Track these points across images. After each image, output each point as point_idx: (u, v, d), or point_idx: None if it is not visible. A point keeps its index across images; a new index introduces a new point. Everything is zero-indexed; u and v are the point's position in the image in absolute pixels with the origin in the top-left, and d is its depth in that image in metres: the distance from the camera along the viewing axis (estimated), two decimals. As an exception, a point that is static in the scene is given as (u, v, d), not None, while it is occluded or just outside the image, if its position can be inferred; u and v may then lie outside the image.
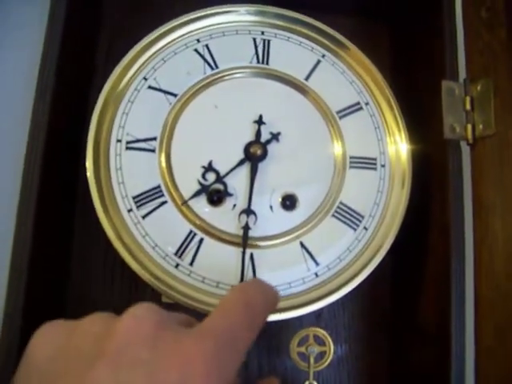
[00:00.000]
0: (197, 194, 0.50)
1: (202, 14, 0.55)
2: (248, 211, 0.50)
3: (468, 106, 0.54)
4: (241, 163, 0.51)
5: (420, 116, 0.56)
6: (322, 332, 0.53)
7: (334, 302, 0.51)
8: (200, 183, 0.50)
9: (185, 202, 0.50)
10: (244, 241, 0.49)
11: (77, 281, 0.57)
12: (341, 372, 0.58)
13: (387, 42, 0.65)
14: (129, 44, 0.54)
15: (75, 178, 0.56)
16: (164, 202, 0.50)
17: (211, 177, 0.51)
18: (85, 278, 0.57)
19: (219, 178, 0.51)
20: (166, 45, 0.54)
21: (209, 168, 0.51)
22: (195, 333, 0.32)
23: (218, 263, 0.50)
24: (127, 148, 0.51)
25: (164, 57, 0.53)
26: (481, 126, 0.53)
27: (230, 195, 0.51)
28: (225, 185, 0.51)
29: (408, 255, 0.57)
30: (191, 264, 0.49)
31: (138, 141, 0.51)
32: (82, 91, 0.58)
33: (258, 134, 0.52)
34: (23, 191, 0.47)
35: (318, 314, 0.59)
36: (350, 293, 0.51)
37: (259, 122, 0.52)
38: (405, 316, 0.58)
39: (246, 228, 0.50)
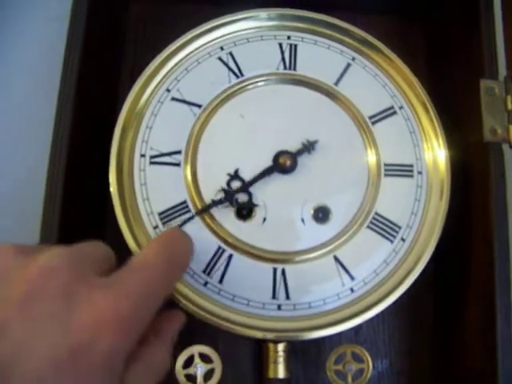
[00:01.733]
0: (220, 203, 0.49)
1: (225, 20, 0.54)
2: None
3: (510, 106, 0.51)
4: (267, 172, 0.49)
5: (458, 119, 0.54)
6: (359, 348, 0.52)
7: (374, 316, 0.49)
8: (224, 190, 0.49)
9: (205, 210, 0.48)
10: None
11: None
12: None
13: (422, 42, 0.63)
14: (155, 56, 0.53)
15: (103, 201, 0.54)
16: (191, 218, 0.48)
17: (237, 185, 0.49)
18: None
19: (244, 187, 0.49)
20: (188, 54, 0.53)
21: (234, 176, 0.50)
22: (111, 292, 0.33)
23: (248, 280, 0.49)
24: (151, 163, 0.50)
25: (187, 67, 0.52)
26: (524, 128, 0.50)
27: (255, 205, 0.49)
28: (250, 195, 0.49)
29: (451, 266, 0.55)
30: (220, 282, 0.48)
31: (162, 155, 0.50)
32: (108, 106, 0.57)
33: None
34: (46, 209, 0.46)
35: (356, 329, 0.57)
36: (390, 306, 0.49)
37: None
38: (448, 330, 0.56)
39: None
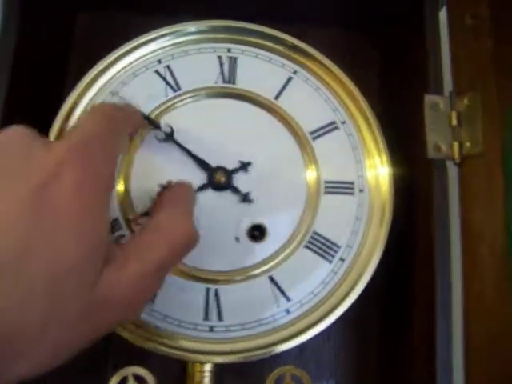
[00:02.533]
0: (146, 215, 0.48)
1: (162, 32, 0.53)
2: None
3: (454, 122, 0.50)
4: (201, 189, 0.48)
5: (403, 134, 0.53)
6: (300, 371, 0.50)
7: (319, 335, 0.48)
8: (152, 200, 0.48)
9: (132, 220, 0.48)
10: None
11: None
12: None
13: (375, 55, 0.62)
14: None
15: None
16: (123, 236, 0.48)
17: None
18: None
19: None
20: (124, 67, 0.52)
21: (166, 188, 0.48)
22: (62, 140, 0.36)
23: (180, 300, 0.48)
24: (83, 179, 0.48)
25: (123, 80, 0.51)
26: (468, 144, 0.49)
27: None
28: None
29: (396, 283, 0.53)
30: (152, 302, 0.47)
31: (95, 171, 0.48)
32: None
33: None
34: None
35: (301, 348, 0.55)
36: (336, 324, 0.48)
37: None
38: (394, 347, 0.55)
39: None
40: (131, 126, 0.44)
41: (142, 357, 0.51)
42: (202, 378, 0.49)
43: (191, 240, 0.39)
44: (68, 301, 0.31)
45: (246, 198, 0.49)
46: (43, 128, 0.50)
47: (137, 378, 0.49)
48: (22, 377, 0.30)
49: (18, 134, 0.35)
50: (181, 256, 0.39)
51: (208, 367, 0.49)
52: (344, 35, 0.62)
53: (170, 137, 0.49)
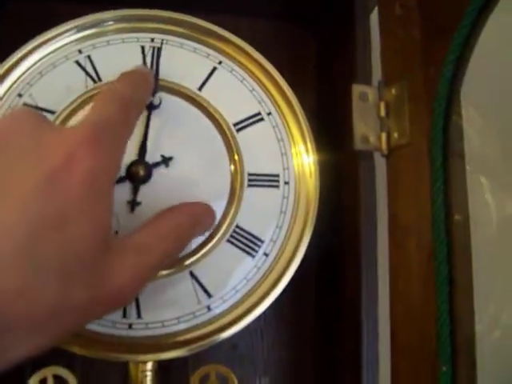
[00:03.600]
0: None
1: (83, 21, 0.51)
2: None
3: (383, 113, 0.49)
4: (119, 181, 0.47)
5: (332, 126, 0.51)
6: (225, 369, 0.49)
7: (252, 330, 0.47)
8: None
9: None
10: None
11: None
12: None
13: (312, 47, 0.61)
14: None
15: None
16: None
17: None
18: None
19: None
20: (43, 57, 0.51)
21: None
22: (74, 126, 0.35)
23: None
24: None
25: (41, 70, 0.50)
26: (396, 135, 0.48)
27: None
28: None
29: (324, 281, 0.53)
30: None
31: (10, 164, 0.47)
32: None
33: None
34: None
35: (234, 345, 0.54)
36: (269, 318, 0.47)
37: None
38: (327, 344, 0.54)
39: None
40: (144, 104, 0.46)
41: (62, 356, 0.50)
42: (143, 378, 0.48)
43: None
44: (79, 285, 0.32)
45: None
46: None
47: (57, 378, 0.48)
48: (21, 358, 0.31)
49: (26, 115, 0.35)
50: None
51: (149, 366, 0.48)
52: (280, 26, 0.61)
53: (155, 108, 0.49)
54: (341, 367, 0.51)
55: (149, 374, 0.48)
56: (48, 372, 0.48)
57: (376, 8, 0.53)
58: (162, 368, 0.53)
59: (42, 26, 0.56)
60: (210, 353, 0.49)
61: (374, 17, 0.52)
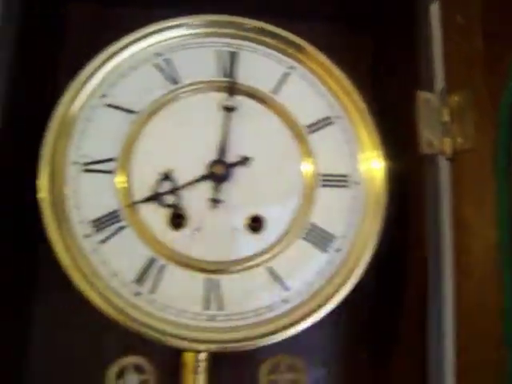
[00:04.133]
0: (147, 200, 0.50)
1: (162, 26, 0.54)
2: None
3: (446, 118, 0.53)
4: (201, 179, 0.50)
5: (396, 130, 0.55)
6: (293, 358, 0.52)
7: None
8: (153, 189, 0.50)
9: (131, 205, 0.49)
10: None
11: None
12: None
13: (367, 51, 0.64)
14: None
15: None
16: (123, 227, 0.49)
17: (167, 187, 0.51)
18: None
19: (174, 189, 0.51)
20: (124, 60, 0.53)
21: (166, 176, 0.50)
22: None
23: (181, 290, 0.50)
24: (84, 170, 0.50)
25: (123, 72, 0.52)
26: (460, 140, 0.51)
27: (180, 209, 0.50)
28: (178, 197, 0.51)
29: (387, 274, 0.56)
30: (152, 292, 0.49)
31: (95, 162, 0.50)
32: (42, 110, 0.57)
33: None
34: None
35: (294, 337, 0.57)
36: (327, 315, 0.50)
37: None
38: (384, 331, 0.57)
39: None
40: None
41: (140, 347, 0.52)
42: (197, 367, 0.50)
43: None
44: None
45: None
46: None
47: (136, 367, 0.50)
48: None
49: None
50: None
51: (203, 356, 0.50)
52: (340, 32, 0.64)
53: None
54: (402, 360, 0.54)
55: (202, 364, 0.51)
56: (127, 361, 0.51)
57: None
58: (232, 358, 0.56)
59: (107, 29, 0.59)
60: (277, 344, 0.52)
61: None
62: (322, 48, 0.57)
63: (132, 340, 0.53)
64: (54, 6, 0.61)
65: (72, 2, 0.64)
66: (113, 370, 0.50)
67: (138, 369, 0.51)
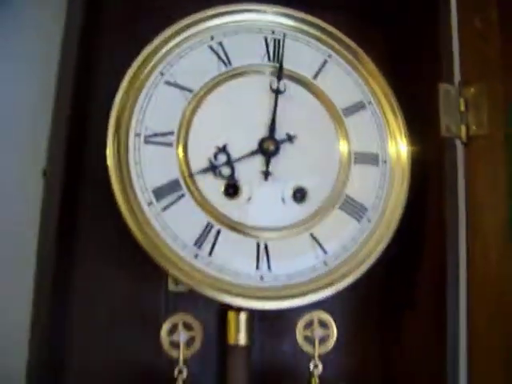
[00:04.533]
0: (205, 171, 0.56)
1: (216, 12, 0.59)
2: None
3: (462, 108, 0.60)
4: (253, 154, 0.56)
5: (419, 117, 0.62)
6: (326, 316, 0.58)
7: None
8: (210, 161, 0.56)
9: (191, 175, 0.55)
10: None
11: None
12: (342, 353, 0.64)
13: (381, 42, 0.71)
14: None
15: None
16: (182, 195, 0.54)
17: (222, 159, 0.56)
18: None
19: (229, 161, 0.56)
20: (181, 41, 0.58)
21: (221, 150, 0.56)
22: None
23: (234, 253, 0.55)
24: (145, 142, 0.55)
25: (180, 52, 0.58)
26: (474, 127, 0.59)
27: (235, 180, 0.56)
28: (233, 169, 0.56)
29: (406, 245, 0.63)
30: (210, 254, 0.54)
31: (156, 135, 0.55)
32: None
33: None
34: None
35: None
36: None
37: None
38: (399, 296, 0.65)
39: None
40: None
41: (189, 307, 0.58)
42: (239, 325, 0.57)
43: None
44: None
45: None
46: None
47: (185, 325, 0.56)
48: None
49: None
50: None
51: (244, 315, 0.57)
52: (356, 23, 0.70)
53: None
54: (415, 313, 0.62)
55: (244, 321, 0.57)
56: (178, 319, 0.56)
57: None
58: (271, 315, 0.62)
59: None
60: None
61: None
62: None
63: (184, 298, 0.59)
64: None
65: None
66: (165, 327, 0.56)
67: (187, 326, 0.56)
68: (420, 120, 0.62)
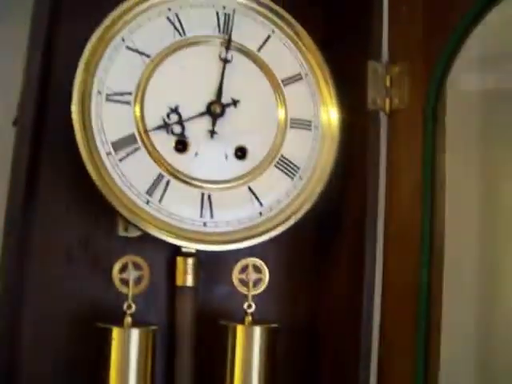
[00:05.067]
0: (158, 128, 0.64)
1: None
2: None
3: (387, 84, 0.69)
4: (201, 115, 0.65)
5: (348, 89, 0.71)
6: (259, 262, 0.67)
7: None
8: (163, 120, 0.64)
9: (146, 131, 0.64)
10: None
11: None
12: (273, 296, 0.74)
13: (320, 23, 0.80)
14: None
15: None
16: (137, 149, 0.63)
17: (174, 119, 0.65)
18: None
19: (180, 121, 0.65)
20: (141, 11, 0.65)
21: (174, 110, 0.65)
22: None
23: (182, 201, 0.64)
24: (107, 100, 0.62)
25: (140, 22, 0.65)
26: (396, 101, 0.69)
27: (185, 137, 0.65)
28: (183, 127, 0.65)
29: (332, 201, 0.72)
30: (160, 201, 0.63)
31: (115, 94, 0.63)
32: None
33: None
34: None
35: (253, 246, 0.72)
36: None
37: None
38: (326, 248, 0.75)
39: None
40: None
41: (140, 251, 0.66)
42: (187, 268, 0.66)
43: None
44: None
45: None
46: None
47: (134, 264, 0.64)
48: None
49: None
50: None
51: (191, 260, 0.66)
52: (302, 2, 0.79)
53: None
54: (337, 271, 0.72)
55: (191, 266, 0.66)
56: (128, 259, 0.64)
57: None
58: (212, 259, 0.71)
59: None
60: (235, 252, 0.67)
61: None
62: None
63: (133, 241, 0.67)
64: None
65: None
66: (117, 265, 0.64)
67: (136, 266, 0.64)
68: (350, 93, 0.72)
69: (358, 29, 0.74)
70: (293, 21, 0.72)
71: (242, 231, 0.66)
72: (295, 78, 0.71)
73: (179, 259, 0.66)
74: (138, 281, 0.64)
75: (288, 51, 0.71)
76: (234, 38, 0.68)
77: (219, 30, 0.68)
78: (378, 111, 0.70)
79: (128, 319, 0.62)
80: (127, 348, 0.61)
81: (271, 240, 0.69)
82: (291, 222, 0.67)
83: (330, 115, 0.71)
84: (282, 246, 0.76)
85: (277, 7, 0.71)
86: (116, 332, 0.61)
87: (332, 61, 0.73)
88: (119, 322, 0.62)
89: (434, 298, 0.65)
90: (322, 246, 0.77)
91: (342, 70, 0.73)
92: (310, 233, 0.77)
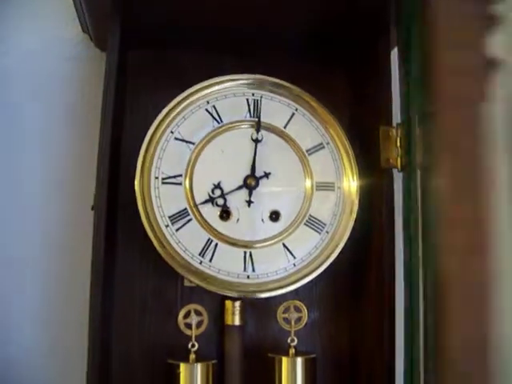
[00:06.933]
0: (205, 202, 0.82)
1: (210, 82, 0.84)
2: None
3: (399, 144, 0.83)
4: (239, 188, 0.82)
5: (365, 151, 0.86)
6: (299, 303, 0.83)
7: (309, 282, 0.81)
8: (209, 195, 0.81)
9: (196, 205, 0.81)
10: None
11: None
12: (313, 330, 0.90)
13: (344, 87, 0.95)
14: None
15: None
16: (190, 220, 0.80)
17: (218, 193, 0.81)
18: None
19: (223, 194, 0.82)
20: (185, 106, 0.83)
21: (217, 186, 0.82)
22: None
23: (228, 259, 0.81)
24: (162, 182, 0.80)
25: (184, 115, 0.82)
26: (404, 159, 0.82)
27: (228, 207, 0.82)
28: (225, 200, 0.82)
29: (357, 250, 0.87)
30: (210, 261, 0.80)
31: (169, 177, 0.81)
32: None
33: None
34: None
35: (296, 290, 0.88)
36: (321, 274, 0.81)
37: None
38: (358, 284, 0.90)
39: None
40: None
41: (199, 299, 0.84)
42: (235, 310, 0.82)
43: None
44: None
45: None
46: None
47: (196, 311, 0.82)
48: None
49: None
50: None
51: (238, 303, 0.82)
52: (320, 70, 0.95)
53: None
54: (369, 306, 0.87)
55: (237, 308, 0.83)
56: (191, 307, 0.82)
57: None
58: (258, 304, 0.87)
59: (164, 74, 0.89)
60: (282, 295, 0.83)
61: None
62: (306, 83, 0.89)
63: (193, 293, 0.85)
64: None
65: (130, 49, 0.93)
66: (181, 312, 0.81)
67: (197, 312, 0.82)
68: (367, 155, 0.86)
69: (372, 95, 0.88)
70: (311, 98, 0.88)
71: (279, 280, 0.82)
72: (318, 147, 0.86)
73: (227, 302, 0.84)
74: (198, 324, 0.81)
75: (310, 125, 0.87)
76: (262, 119, 0.85)
77: (250, 115, 0.85)
78: (391, 169, 0.84)
79: (192, 356, 0.80)
80: (192, 379, 0.79)
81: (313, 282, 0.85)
82: (321, 270, 0.82)
83: (350, 178, 0.86)
84: (317, 288, 0.92)
85: (298, 90, 0.87)
86: (183, 366, 0.79)
87: (354, 125, 0.89)
88: (184, 359, 0.80)
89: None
90: (354, 284, 0.92)
91: (360, 134, 0.88)
92: (342, 276, 0.93)
